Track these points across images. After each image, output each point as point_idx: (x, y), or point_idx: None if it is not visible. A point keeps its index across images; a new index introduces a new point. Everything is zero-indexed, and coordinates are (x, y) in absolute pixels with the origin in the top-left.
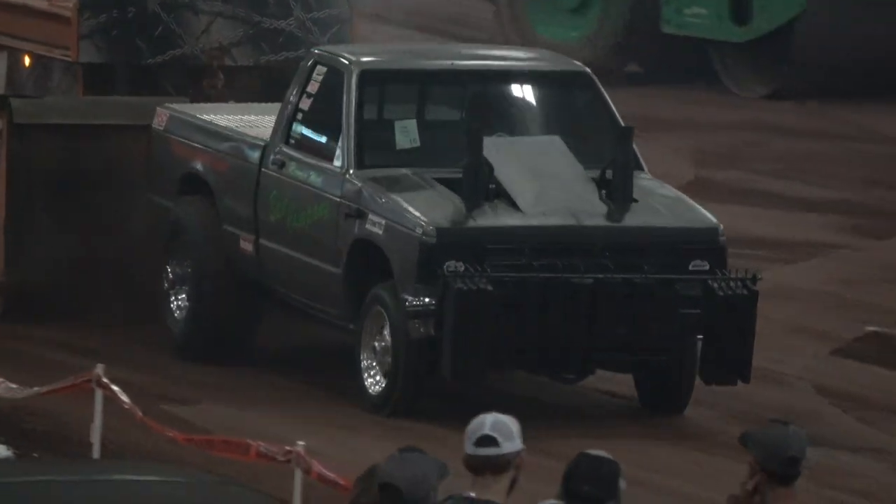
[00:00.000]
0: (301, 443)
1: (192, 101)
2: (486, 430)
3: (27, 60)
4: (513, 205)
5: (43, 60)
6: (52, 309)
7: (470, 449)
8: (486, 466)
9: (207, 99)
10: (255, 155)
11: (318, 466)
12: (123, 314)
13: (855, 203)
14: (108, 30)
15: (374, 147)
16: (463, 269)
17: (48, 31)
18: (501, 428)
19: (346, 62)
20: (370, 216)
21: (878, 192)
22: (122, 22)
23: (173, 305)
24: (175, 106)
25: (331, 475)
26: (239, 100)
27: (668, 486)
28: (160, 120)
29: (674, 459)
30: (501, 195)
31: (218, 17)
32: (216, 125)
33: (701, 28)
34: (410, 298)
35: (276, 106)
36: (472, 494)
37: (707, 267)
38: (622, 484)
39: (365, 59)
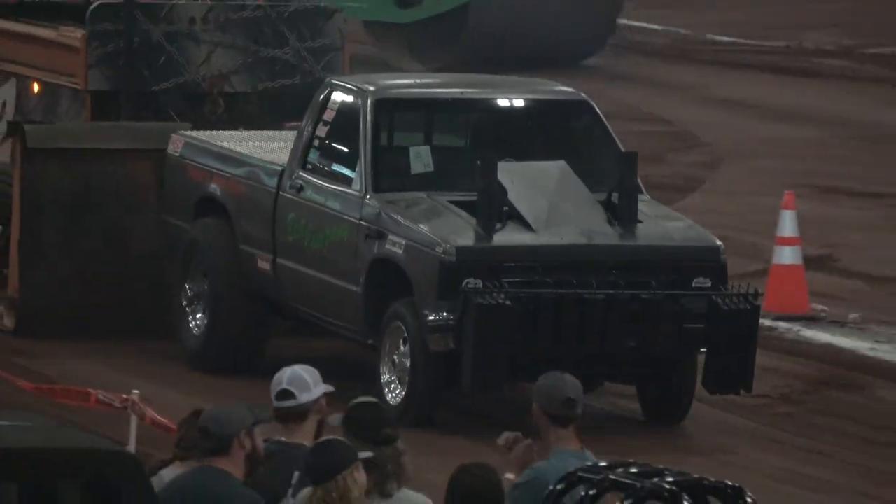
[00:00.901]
0: (136, 391)
1: (194, 125)
2: (284, 385)
3: (36, 87)
4: (525, 225)
5: (51, 87)
6: (62, 323)
7: (274, 403)
8: (289, 416)
9: (208, 123)
10: (273, 179)
11: (151, 412)
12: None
13: None
14: (115, 59)
15: (390, 172)
16: (481, 285)
17: (57, 60)
18: (297, 381)
19: (362, 91)
20: (390, 237)
21: None
22: (128, 51)
23: (190, 321)
24: (190, 133)
25: (163, 420)
26: (237, 124)
27: None
28: (175, 146)
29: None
30: (514, 216)
31: (218, 46)
32: (233, 151)
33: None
34: (431, 314)
35: (282, 133)
36: (283, 438)
37: (709, 283)
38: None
39: (379, 88)
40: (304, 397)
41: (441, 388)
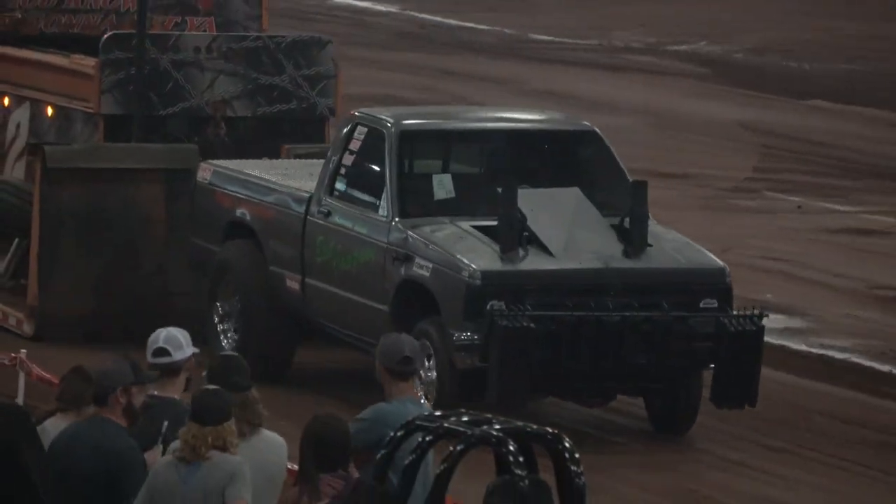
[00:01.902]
0: (23, 350)
1: (199, 147)
2: (160, 344)
3: (49, 111)
4: (545, 250)
5: (65, 111)
6: (79, 330)
7: (149, 359)
8: (164, 372)
9: (211, 145)
10: (301, 205)
11: (37, 370)
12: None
13: None
14: (126, 85)
15: (414, 198)
16: (505, 307)
17: (70, 85)
18: (172, 340)
19: (387, 124)
20: (417, 260)
21: None
22: (138, 78)
23: (222, 337)
24: (217, 162)
25: (47, 376)
26: (238, 146)
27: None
28: (204, 174)
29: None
30: (533, 242)
31: (220, 74)
32: (261, 178)
33: None
34: (457, 333)
35: (299, 162)
36: (156, 392)
37: (716, 304)
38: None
39: (403, 120)
40: (177, 355)
41: (466, 401)
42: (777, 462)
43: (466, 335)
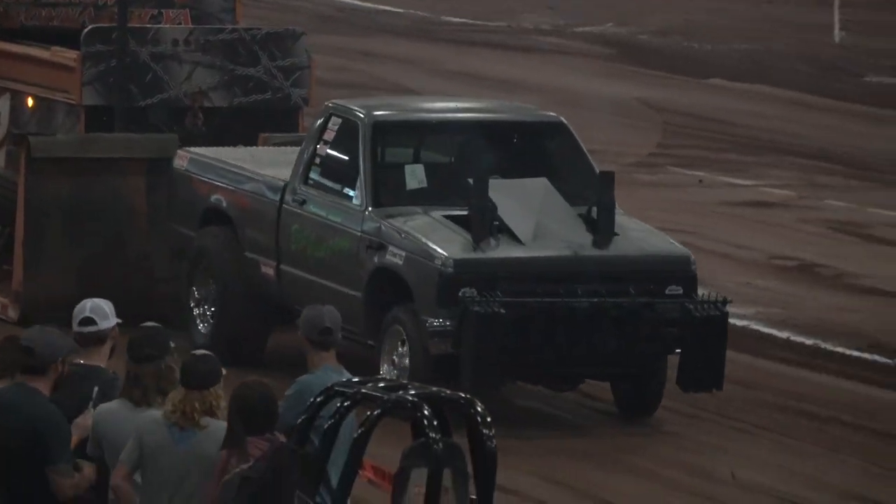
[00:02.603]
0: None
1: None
2: (87, 313)
3: (30, 102)
4: (515, 239)
5: (46, 102)
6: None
7: (76, 328)
8: (90, 341)
9: (189, 135)
10: (276, 193)
11: None
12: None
13: None
14: (107, 77)
15: (387, 188)
16: (477, 295)
17: (52, 77)
18: (98, 311)
19: (361, 114)
20: (390, 248)
21: None
22: (119, 70)
23: (198, 321)
24: (194, 149)
25: None
26: (215, 135)
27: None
28: (181, 161)
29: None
30: (503, 231)
31: (198, 65)
32: (237, 166)
33: None
34: (430, 320)
35: (275, 149)
36: (82, 361)
37: (681, 291)
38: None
39: (376, 112)
40: (103, 324)
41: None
42: (684, 425)
43: (439, 322)
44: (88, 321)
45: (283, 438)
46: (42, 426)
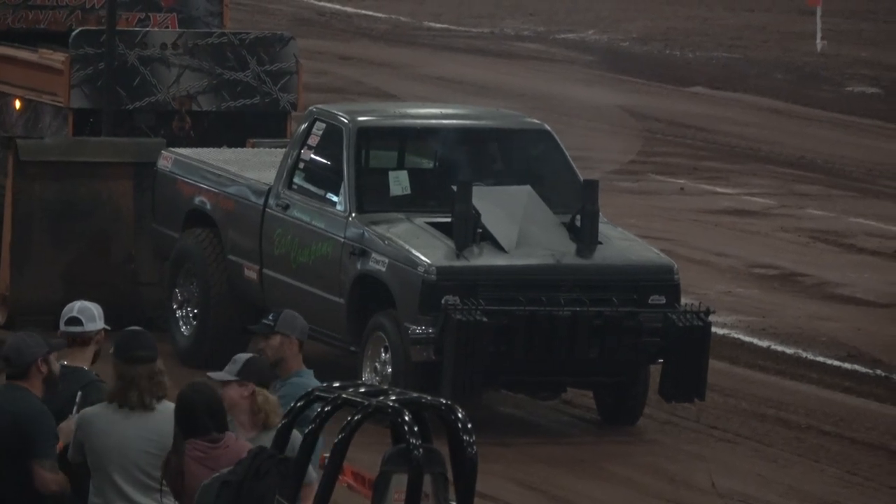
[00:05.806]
0: None
1: (165, 140)
2: (74, 314)
3: (18, 104)
4: (498, 246)
5: (33, 104)
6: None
7: (62, 328)
8: (75, 342)
9: (177, 139)
10: (260, 197)
11: None
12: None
13: None
14: (95, 80)
15: (371, 194)
16: (459, 302)
17: (40, 80)
18: (85, 312)
19: (345, 120)
20: (373, 255)
21: None
22: (107, 73)
23: (181, 322)
24: (178, 150)
25: None
26: (202, 139)
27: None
28: (165, 162)
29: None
30: (487, 238)
31: (186, 69)
32: (221, 169)
33: None
34: (413, 327)
35: (257, 151)
36: (66, 362)
37: (664, 300)
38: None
39: (361, 117)
40: (89, 326)
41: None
42: (663, 433)
43: (421, 329)
44: (75, 321)
45: (242, 436)
46: (27, 421)
